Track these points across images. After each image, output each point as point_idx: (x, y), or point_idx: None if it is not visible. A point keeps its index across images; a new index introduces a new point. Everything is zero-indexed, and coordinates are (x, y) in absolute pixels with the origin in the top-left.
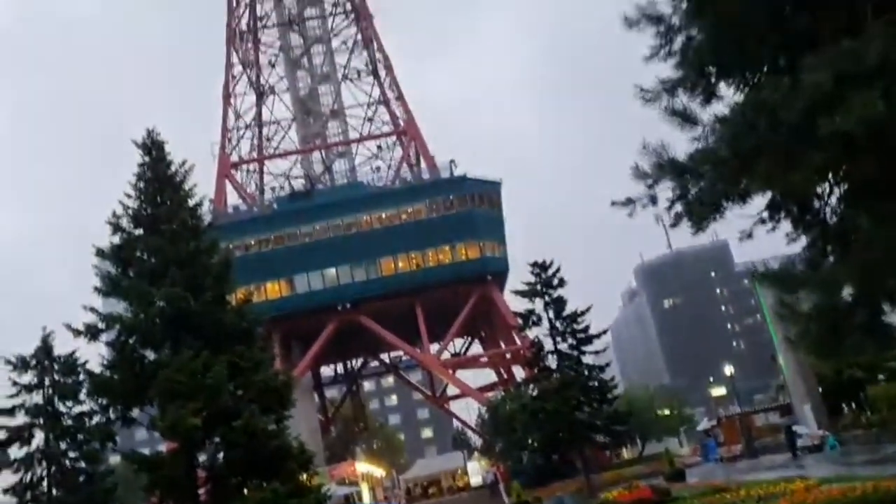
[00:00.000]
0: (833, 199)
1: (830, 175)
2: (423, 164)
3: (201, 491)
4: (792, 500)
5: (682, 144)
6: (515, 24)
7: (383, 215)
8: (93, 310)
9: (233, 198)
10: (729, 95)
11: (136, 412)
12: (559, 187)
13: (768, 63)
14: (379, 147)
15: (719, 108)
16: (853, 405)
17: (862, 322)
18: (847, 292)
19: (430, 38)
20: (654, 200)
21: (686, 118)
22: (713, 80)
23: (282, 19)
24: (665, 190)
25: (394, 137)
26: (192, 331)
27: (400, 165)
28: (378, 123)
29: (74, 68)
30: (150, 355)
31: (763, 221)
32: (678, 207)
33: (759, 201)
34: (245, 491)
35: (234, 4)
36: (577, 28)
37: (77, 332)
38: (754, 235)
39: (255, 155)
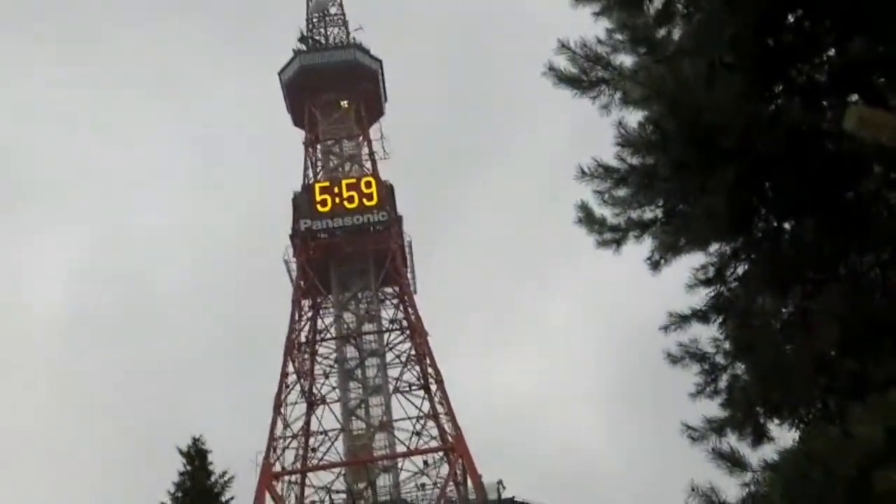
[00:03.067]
0: None
1: None
2: (469, 484)
3: None
4: None
5: (732, 488)
6: (578, 320)
7: None
8: None
9: None
10: (779, 436)
11: None
12: None
13: (818, 403)
14: (426, 462)
15: (769, 449)
16: None
17: None
18: None
19: (484, 334)
20: None
21: (735, 463)
22: (762, 420)
23: (340, 333)
24: None
25: (441, 453)
26: None
27: (446, 483)
28: (426, 438)
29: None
30: None
31: None
32: None
33: None
34: None
35: (297, 318)
36: (644, 328)
37: None
38: None
39: (298, 465)
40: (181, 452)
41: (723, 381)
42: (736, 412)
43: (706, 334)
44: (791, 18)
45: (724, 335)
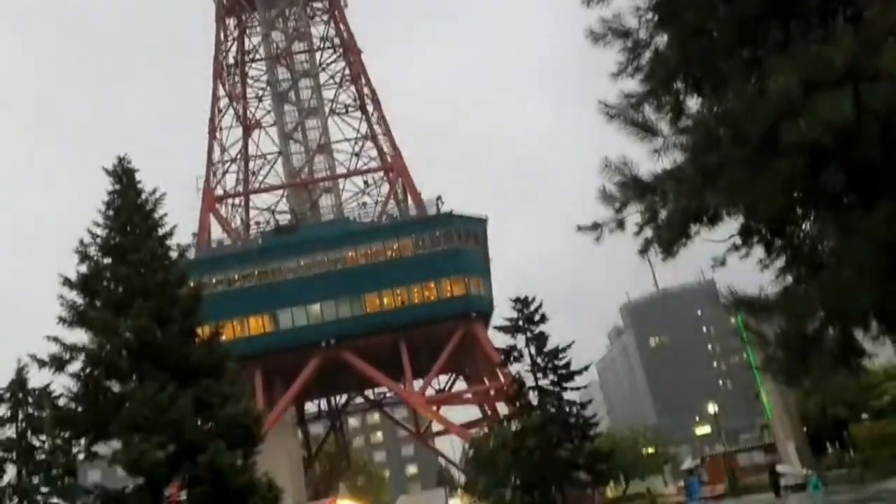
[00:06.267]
0: (806, 225)
1: (800, 193)
2: (409, 201)
3: None
4: None
5: (647, 165)
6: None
7: (369, 251)
8: (55, 339)
9: (217, 232)
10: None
11: (101, 446)
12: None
13: (739, 78)
14: (366, 182)
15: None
16: (837, 444)
17: (830, 349)
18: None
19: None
20: (621, 225)
21: (646, 129)
22: (681, 96)
23: (269, 53)
24: (634, 215)
25: (381, 173)
26: (158, 363)
27: (387, 201)
28: (365, 159)
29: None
30: (116, 388)
31: (736, 248)
32: (647, 233)
33: (732, 226)
34: None
35: (222, 38)
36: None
37: (42, 363)
38: (727, 263)
39: (240, 189)
40: (107, 172)
41: (645, 58)
42: (656, 87)
43: (629, 5)
44: None
45: (648, 5)
